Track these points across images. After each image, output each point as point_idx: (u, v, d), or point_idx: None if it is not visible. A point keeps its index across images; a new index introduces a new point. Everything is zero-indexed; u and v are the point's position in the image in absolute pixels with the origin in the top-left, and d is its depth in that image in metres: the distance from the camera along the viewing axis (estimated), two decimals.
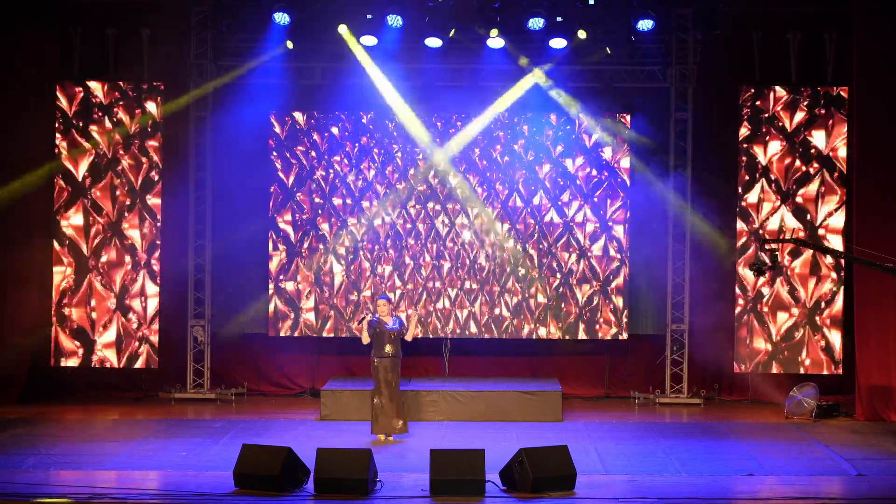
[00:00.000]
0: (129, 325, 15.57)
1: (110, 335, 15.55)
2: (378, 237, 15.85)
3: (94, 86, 15.55)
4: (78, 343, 15.52)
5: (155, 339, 15.60)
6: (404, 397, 13.12)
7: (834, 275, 15.25)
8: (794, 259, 15.29)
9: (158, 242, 15.63)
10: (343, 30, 14.92)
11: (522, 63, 15.26)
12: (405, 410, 12.88)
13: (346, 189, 15.88)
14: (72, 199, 15.54)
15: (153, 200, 15.63)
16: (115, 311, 15.55)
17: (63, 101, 15.50)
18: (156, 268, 15.60)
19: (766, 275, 14.55)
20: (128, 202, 15.58)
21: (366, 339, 12.67)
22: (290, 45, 15.13)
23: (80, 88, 15.54)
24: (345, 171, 15.89)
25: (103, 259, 15.55)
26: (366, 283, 15.84)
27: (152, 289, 15.59)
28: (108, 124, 15.56)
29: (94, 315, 15.53)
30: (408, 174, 15.87)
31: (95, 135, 15.54)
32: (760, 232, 15.30)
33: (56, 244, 15.47)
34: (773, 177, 15.37)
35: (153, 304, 15.60)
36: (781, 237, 14.98)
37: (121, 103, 15.57)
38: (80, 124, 15.54)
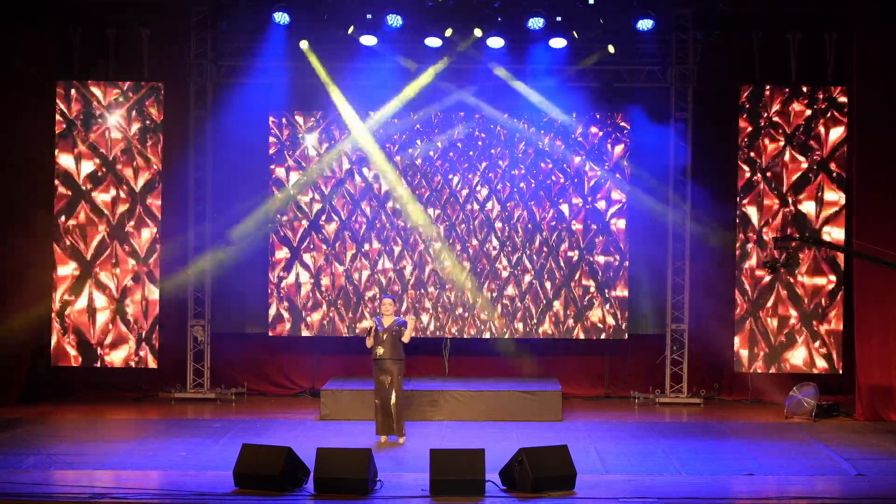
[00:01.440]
0: (129, 324, 15.57)
1: (110, 335, 15.55)
2: (379, 236, 15.86)
3: (94, 85, 15.55)
4: (77, 343, 15.52)
5: (155, 338, 15.60)
6: (405, 399, 12.93)
7: (833, 277, 15.26)
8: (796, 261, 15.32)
9: (158, 242, 15.63)
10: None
11: (517, 66, 15.33)
12: (402, 413, 12.64)
13: (346, 189, 15.89)
14: (73, 202, 15.53)
15: (153, 201, 15.64)
16: (114, 311, 15.55)
17: (63, 102, 15.51)
18: (156, 267, 15.60)
19: (780, 271, 14.47)
20: (128, 203, 15.59)
21: (369, 343, 12.62)
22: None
23: (80, 88, 15.55)
24: (345, 171, 15.89)
25: (103, 258, 15.55)
26: (366, 283, 15.85)
27: (152, 288, 15.59)
28: (107, 124, 15.56)
29: (94, 315, 15.53)
30: (408, 174, 15.87)
31: (95, 135, 15.55)
32: (766, 230, 15.31)
33: (56, 239, 15.48)
34: (771, 177, 15.38)
35: (153, 304, 15.60)
36: (792, 234, 14.94)
37: (120, 103, 15.57)
38: (80, 125, 15.54)
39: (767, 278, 15.23)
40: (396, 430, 12.53)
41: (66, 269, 15.50)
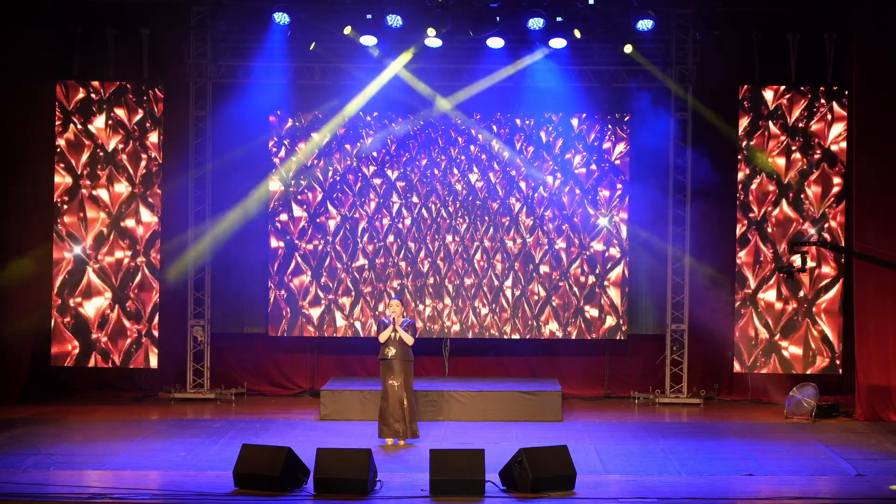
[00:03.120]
0: (128, 325, 15.57)
1: (110, 335, 15.54)
2: (378, 236, 15.86)
3: (94, 85, 15.56)
4: (77, 343, 15.52)
5: (155, 339, 15.60)
6: (415, 400, 12.87)
7: (829, 269, 15.27)
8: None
9: (158, 242, 15.64)
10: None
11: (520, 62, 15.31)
12: (414, 414, 12.57)
13: (346, 188, 15.89)
14: (72, 194, 15.54)
15: (153, 201, 15.63)
16: (114, 311, 15.55)
17: (63, 102, 15.51)
18: (155, 267, 15.60)
19: (795, 276, 14.44)
20: (127, 203, 15.59)
21: (383, 337, 12.53)
22: (312, 45, 15.08)
23: (80, 88, 15.55)
24: (345, 171, 15.90)
25: (103, 260, 15.55)
26: (366, 283, 15.85)
27: (152, 289, 15.59)
28: (107, 124, 15.56)
29: (93, 315, 15.53)
30: (407, 172, 15.88)
31: (95, 135, 15.55)
32: (765, 228, 15.32)
33: (56, 239, 15.47)
34: (771, 177, 15.40)
35: (153, 305, 15.60)
36: (812, 240, 14.94)
37: (120, 103, 15.57)
38: (80, 125, 15.55)
39: (771, 275, 15.25)
40: (410, 433, 12.44)
41: (66, 269, 15.49)
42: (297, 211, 15.87)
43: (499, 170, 15.88)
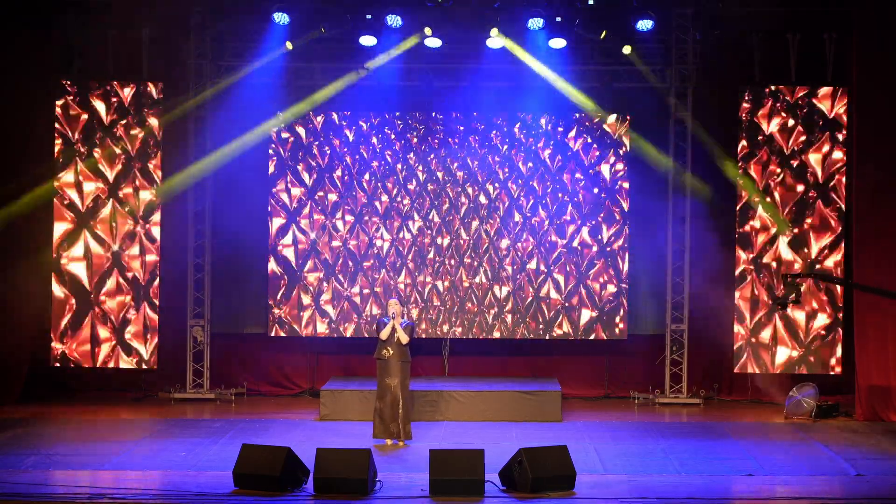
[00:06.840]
0: (128, 324, 15.56)
1: (109, 335, 15.54)
2: (378, 239, 15.85)
3: (94, 86, 15.55)
4: (77, 344, 15.52)
5: (154, 339, 15.60)
6: (411, 401, 12.91)
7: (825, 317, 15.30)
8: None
9: (158, 242, 15.64)
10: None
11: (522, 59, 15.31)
12: (408, 415, 12.59)
13: (345, 191, 15.88)
14: (75, 226, 15.53)
15: (152, 205, 15.64)
16: (114, 310, 15.55)
17: (62, 101, 15.50)
18: (156, 267, 15.60)
19: (790, 307, 14.44)
20: (128, 206, 15.60)
21: (384, 335, 12.52)
22: (289, 45, 15.09)
23: (80, 88, 15.54)
24: (344, 173, 15.89)
25: (102, 264, 15.56)
26: (366, 284, 15.84)
27: (152, 289, 15.59)
28: (107, 125, 15.56)
29: (93, 315, 15.52)
30: (406, 178, 15.87)
31: (95, 136, 15.54)
32: (762, 260, 15.34)
33: (55, 278, 15.51)
34: (770, 181, 15.40)
35: (153, 304, 15.59)
36: (803, 272, 14.95)
37: (120, 103, 15.56)
38: (80, 126, 15.54)
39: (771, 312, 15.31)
40: (404, 434, 12.47)
41: (60, 294, 15.50)
42: (297, 212, 15.84)
43: (498, 175, 15.83)
